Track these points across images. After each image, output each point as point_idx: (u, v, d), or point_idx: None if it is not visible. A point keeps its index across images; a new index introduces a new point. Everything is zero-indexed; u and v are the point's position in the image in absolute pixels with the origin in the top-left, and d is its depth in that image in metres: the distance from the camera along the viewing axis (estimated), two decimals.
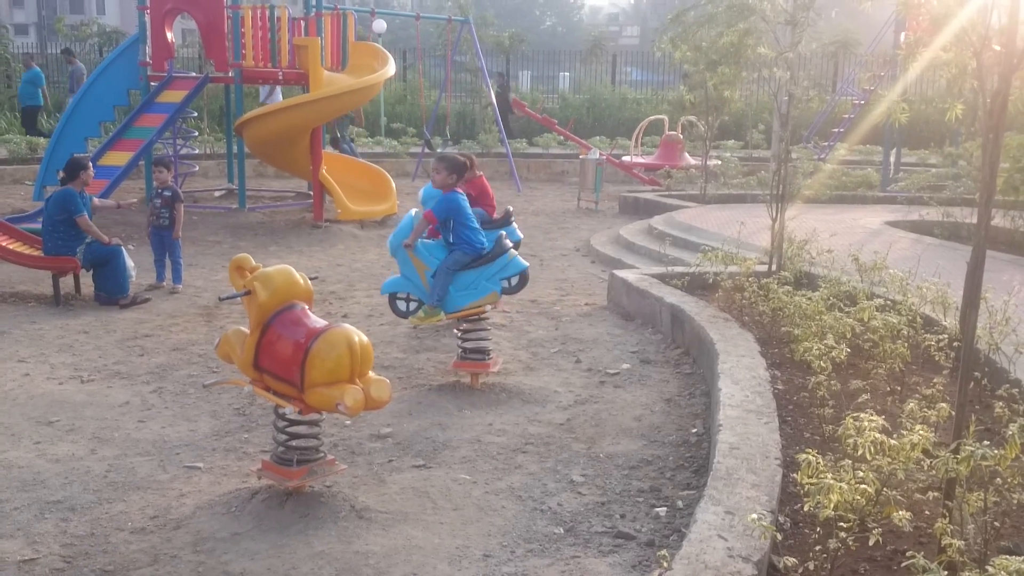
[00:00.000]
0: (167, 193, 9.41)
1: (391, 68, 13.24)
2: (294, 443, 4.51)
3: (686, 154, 17.51)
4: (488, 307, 6.21)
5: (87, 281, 9.17)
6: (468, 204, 6.26)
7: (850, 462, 3.64)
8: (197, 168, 16.80)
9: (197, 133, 17.68)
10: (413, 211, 6.33)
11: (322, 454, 4.61)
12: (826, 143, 18.33)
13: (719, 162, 17.08)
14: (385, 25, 23.23)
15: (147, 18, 13.78)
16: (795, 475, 4.16)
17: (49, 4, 63.27)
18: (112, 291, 8.73)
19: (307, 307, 4.49)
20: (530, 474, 5.04)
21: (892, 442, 3.70)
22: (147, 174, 13.64)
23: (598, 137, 22.23)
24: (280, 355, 4.29)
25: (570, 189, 18.34)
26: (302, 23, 13.79)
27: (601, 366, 6.98)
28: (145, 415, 6.05)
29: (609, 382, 6.61)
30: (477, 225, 6.23)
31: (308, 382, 4.17)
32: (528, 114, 18.90)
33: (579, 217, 14.88)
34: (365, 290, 9.67)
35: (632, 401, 6.19)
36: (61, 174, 8.90)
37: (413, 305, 6.30)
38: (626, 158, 17.99)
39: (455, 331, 6.45)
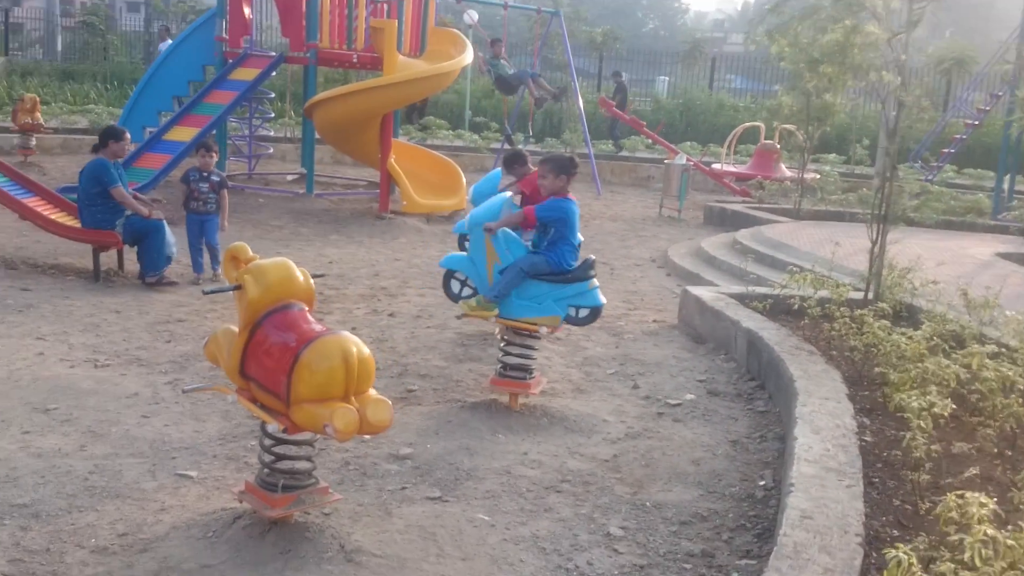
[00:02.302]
0: (215, 178, 8.78)
1: (469, 56, 12.60)
2: (280, 466, 3.85)
3: (782, 165, 16.47)
4: (543, 329, 5.47)
5: (132, 257, 8.75)
6: (578, 216, 5.51)
7: (952, 567, 2.79)
8: (272, 150, 16.45)
9: (273, 114, 17.32)
10: (508, 193, 5.68)
11: (314, 480, 3.95)
12: (936, 163, 17.04)
13: (817, 176, 15.98)
14: (477, 15, 22.67)
15: None
16: (879, 551, 3.35)
17: None
18: (146, 267, 8.26)
19: (306, 309, 3.82)
20: (560, 520, 4.29)
21: (1009, 542, 2.84)
22: (220, 157, 13.24)
23: (689, 143, 21.26)
24: (267, 362, 3.63)
25: (653, 195, 17.46)
26: (384, 6, 13.24)
27: (661, 394, 6.17)
28: (151, 410, 5.49)
29: (668, 414, 5.81)
30: (578, 243, 5.50)
31: (295, 396, 3.51)
32: (616, 114, 18.08)
33: (659, 225, 14.00)
34: (418, 288, 9.03)
35: (692, 440, 5.38)
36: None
37: (467, 291, 5.64)
38: (716, 166, 17.02)
39: (499, 340, 5.73)
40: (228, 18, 13.32)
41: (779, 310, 7.50)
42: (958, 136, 16.66)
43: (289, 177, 15.44)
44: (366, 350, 3.63)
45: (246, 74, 12.71)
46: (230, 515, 4.08)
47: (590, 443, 5.27)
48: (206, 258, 8.86)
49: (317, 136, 13.50)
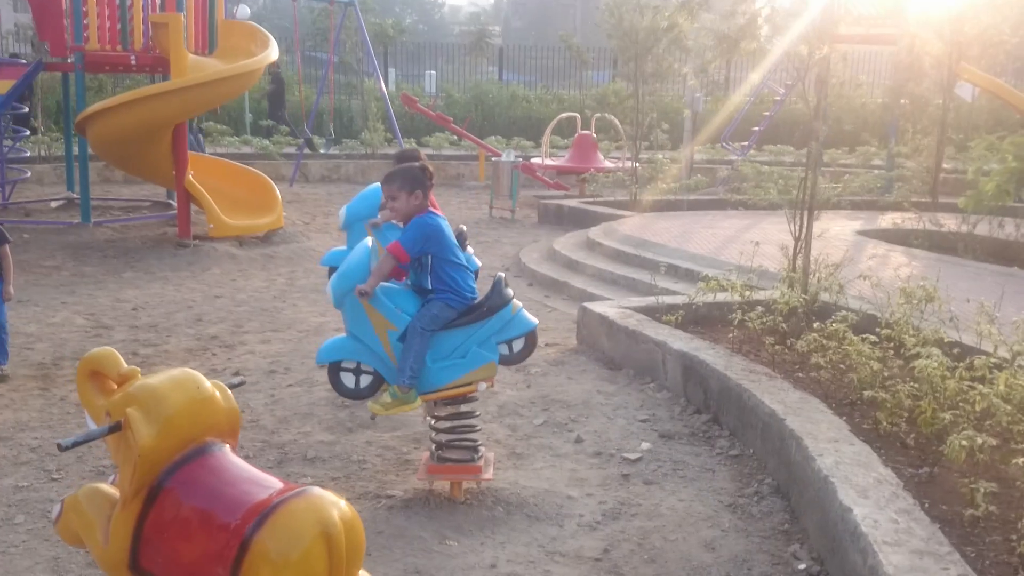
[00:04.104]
0: None
1: (273, 52, 10.96)
2: None
3: (599, 155, 15.84)
4: (482, 385, 4.21)
5: None
6: (449, 230, 4.26)
7: None
8: (29, 174, 13.98)
9: (29, 132, 14.79)
10: (368, 240, 4.27)
11: None
12: (744, 143, 17.01)
13: (636, 164, 15.45)
14: (249, 11, 20.79)
15: None
16: None
17: None
18: None
19: (230, 447, 2.42)
20: None
21: None
22: None
23: (493, 137, 20.35)
24: (185, 551, 2.21)
25: (472, 194, 16.44)
26: None
27: (611, 447, 5.09)
28: None
29: (635, 475, 4.73)
30: (464, 261, 4.25)
31: None
32: (421, 111, 16.84)
33: (495, 228, 12.92)
34: (258, 332, 7.48)
35: (683, 511, 4.32)
36: None
37: (366, 380, 4.20)
38: (536, 160, 16.15)
39: (427, 419, 4.43)
40: None
41: (688, 320, 6.66)
42: (767, 114, 16.68)
43: (53, 203, 13.13)
44: (348, 510, 2.28)
45: None
46: None
47: (566, 535, 4.10)
48: None
49: (91, 152, 11.40)
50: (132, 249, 10.50)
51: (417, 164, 4.37)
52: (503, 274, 4.34)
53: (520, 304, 4.29)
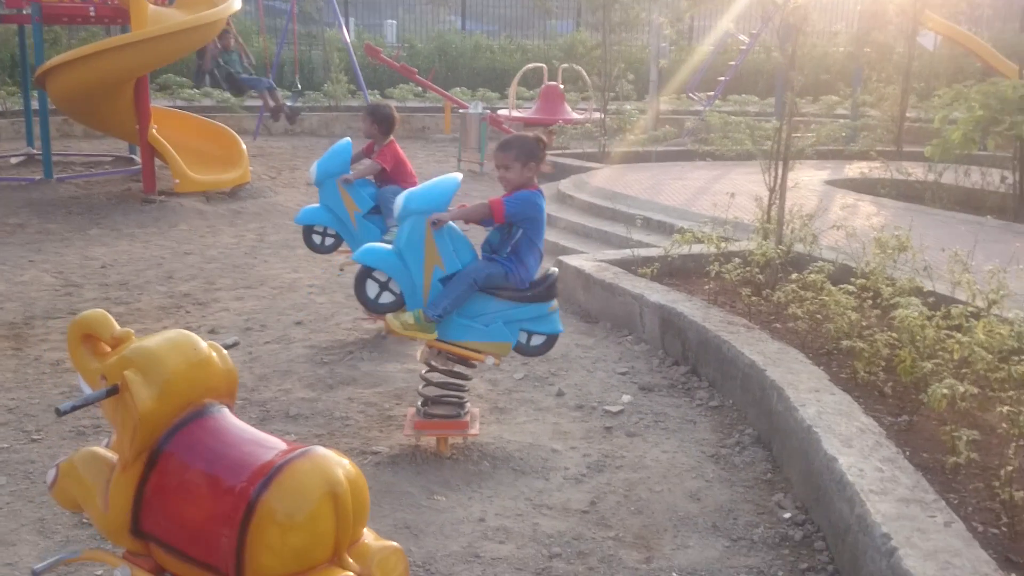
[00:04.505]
0: None
1: (236, 2, 10.70)
2: None
3: (567, 106, 15.74)
4: (489, 359, 4.21)
5: None
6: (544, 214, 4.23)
7: None
8: None
9: None
10: (459, 174, 4.27)
11: None
12: (711, 93, 16.98)
13: (604, 116, 15.40)
14: None
15: None
16: None
17: None
18: None
19: (229, 407, 2.40)
20: None
21: None
22: None
23: (458, 88, 20.12)
24: (189, 513, 2.20)
25: (439, 147, 16.30)
26: None
27: (593, 399, 5.13)
28: None
29: (617, 427, 4.77)
30: (542, 248, 4.23)
31: (255, 570, 2.12)
32: (385, 62, 16.55)
33: (465, 182, 12.74)
34: (231, 288, 7.40)
35: (666, 462, 4.38)
36: None
37: (388, 296, 4.16)
38: (502, 112, 16.02)
39: (421, 369, 4.41)
40: None
41: (664, 272, 6.70)
42: (732, 63, 16.63)
43: (13, 159, 12.81)
44: (352, 468, 2.27)
45: None
46: None
47: (552, 487, 4.13)
48: None
49: (51, 107, 11.12)
50: (97, 205, 10.31)
51: (533, 136, 4.28)
52: (556, 271, 4.32)
53: (558, 307, 4.29)
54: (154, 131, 10.41)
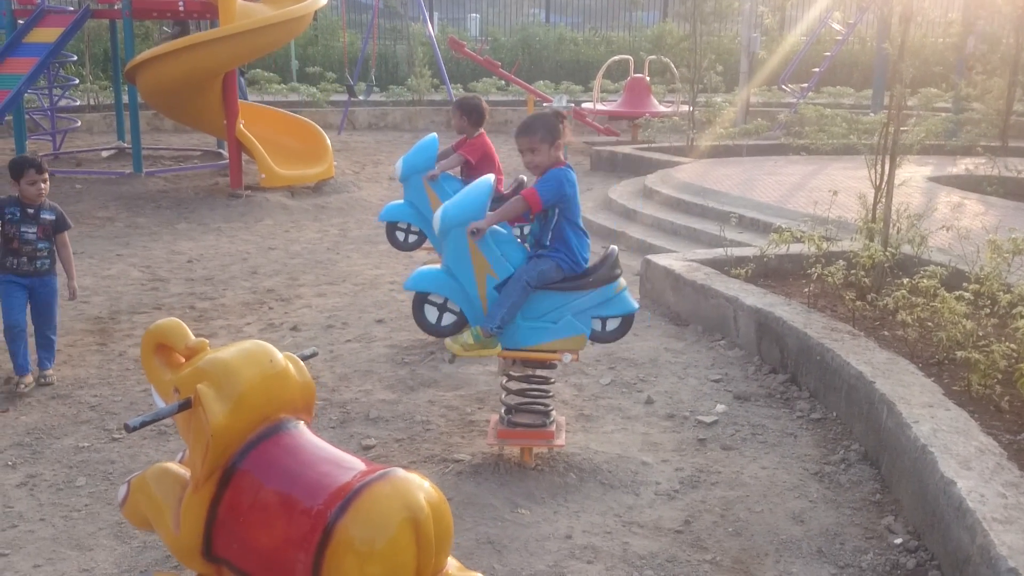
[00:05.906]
0: (48, 216, 5.18)
1: None
2: None
3: (653, 99, 15.39)
4: (566, 356, 4.01)
5: None
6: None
7: None
8: (79, 123, 13.95)
9: (78, 81, 14.73)
10: (491, 176, 4.10)
11: None
12: (804, 85, 16.43)
13: (692, 109, 15.01)
14: None
15: None
16: None
17: None
18: None
19: (305, 423, 2.24)
20: None
21: None
22: (18, 138, 10.78)
23: (541, 81, 19.90)
24: (262, 538, 2.05)
25: None
26: None
27: (685, 409, 4.88)
28: (7, 537, 3.69)
29: (711, 439, 4.52)
30: (581, 224, 4.04)
31: None
32: (468, 55, 16.45)
33: None
34: (314, 284, 7.35)
35: (766, 479, 4.11)
36: None
37: (449, 317, 3.99)
38: (587, 105, 15.76)
39: (500, 378, 4.24)
40: None
41: (759, 273, 6.39)
42: (828, 54, 16.05)
43: (104, 153, 13.07)
44: (435, 493, 2.10)
45: (46, 35, 10.33)
46: None
47: (643, 503, 3.91)
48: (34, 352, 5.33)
49: (140, 101, 11.28)
50: (185, 200, 10.41)
51: (552, 113, 4.11)
52: (616, 248, 4.10)
53: (625, 284, 4.06)
54: (241, 126, 10.47)
